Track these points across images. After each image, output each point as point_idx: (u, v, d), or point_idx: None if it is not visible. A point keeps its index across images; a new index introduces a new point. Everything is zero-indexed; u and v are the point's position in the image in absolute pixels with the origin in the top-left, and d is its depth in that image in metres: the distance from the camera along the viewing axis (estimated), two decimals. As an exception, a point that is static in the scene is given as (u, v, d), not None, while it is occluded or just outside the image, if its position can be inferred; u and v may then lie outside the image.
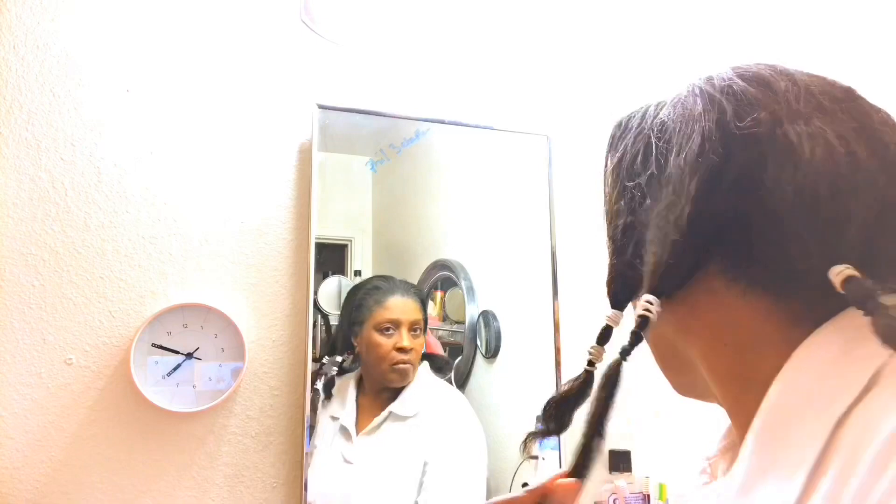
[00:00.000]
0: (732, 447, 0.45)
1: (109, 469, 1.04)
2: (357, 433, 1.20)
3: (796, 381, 0.36)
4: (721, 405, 0.42)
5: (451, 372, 1.31)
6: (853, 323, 0.35)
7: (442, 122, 1.31)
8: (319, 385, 1.20)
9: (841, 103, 0.39)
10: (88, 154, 1.09)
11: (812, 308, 0.37)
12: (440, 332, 1.34)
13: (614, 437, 1.26)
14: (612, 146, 0.49)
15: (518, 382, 1.32)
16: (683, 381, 0.46)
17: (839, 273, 0.35)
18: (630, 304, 0.45)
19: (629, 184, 0.45)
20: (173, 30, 1.16)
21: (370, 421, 1.21)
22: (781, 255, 0.38)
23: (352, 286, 1.25)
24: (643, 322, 0.41)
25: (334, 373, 1.22)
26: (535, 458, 1.27)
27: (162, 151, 1.13)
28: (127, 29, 1.13)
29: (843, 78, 0.42)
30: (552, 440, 1.28)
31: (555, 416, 0.45)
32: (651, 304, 0.41)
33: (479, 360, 1.33)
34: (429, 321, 1.30)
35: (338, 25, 1.12)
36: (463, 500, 1.18)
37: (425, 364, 1.27)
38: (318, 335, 1.21)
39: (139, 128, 1.12)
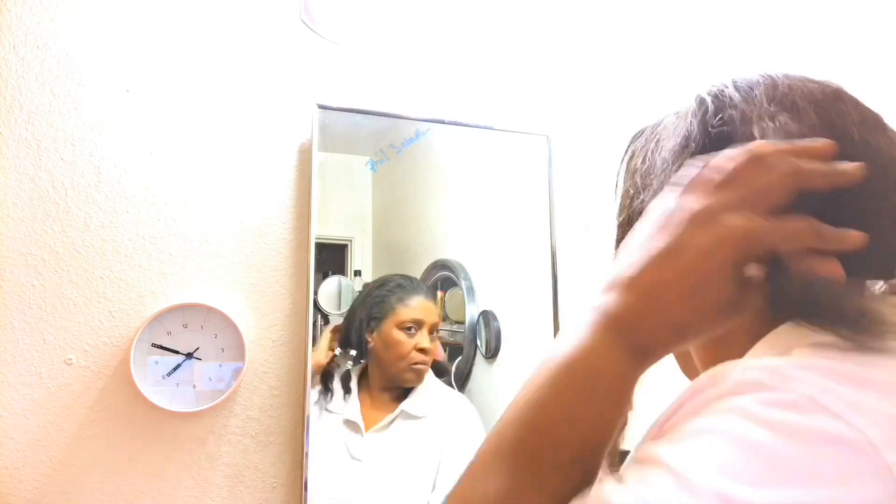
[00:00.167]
0: None
1: (109, 469, 1.04)
2: (366, 430, 1.20)
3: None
4: None
5: (448, 374, 1.31)
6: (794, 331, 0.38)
7: (442, 122, 1.31)
8: (336, 379, 1.20)
9: (818, 104, 0.41)
10: (88, 154, 1.09)
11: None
12: (440, 333, 1.34)
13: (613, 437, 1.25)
14: (626, 150, 0.53)
15: (518, 382, 1.32)
16: (686, 368, 0.50)
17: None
18: None
19: (627, 184, 0.50)
20: (173, 30, 1.16)
21: (378, 418, 1.21)
22: None
23: (373, 282, 1.26)
24: None
25: (349, 366, 1.22)
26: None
27: (162, 151, 1.13)
28: (127, 29, 1.13)
29: (848, 80, 0.43)
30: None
31: None
32: None
33: (480, 360, 1.33)
34: (437, 325, 1.30)
35: (338, 25, 1.12)
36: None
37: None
38: (318, 335, 1.21)
39: (139, 128, 1.12)
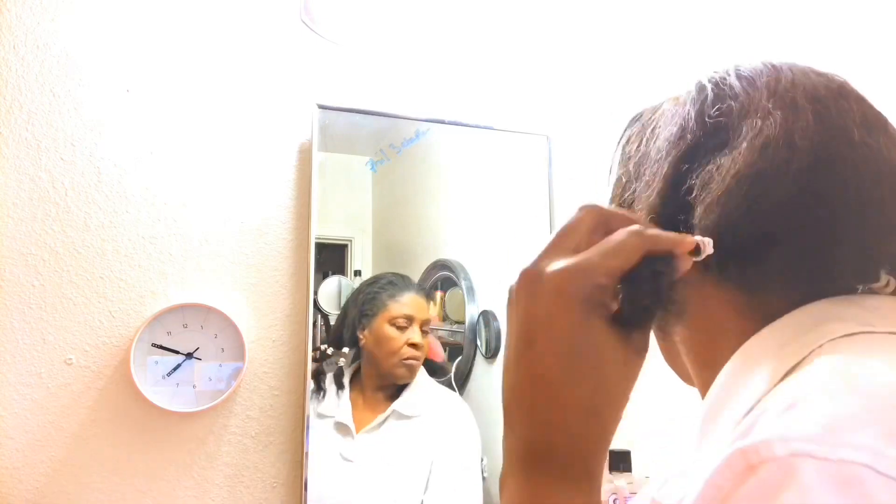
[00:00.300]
0: None
1: (109, 469, 1.04)
2: (356, 431, 1.20)
3: (734, 369, 0.38)
4: (698, 389, 0.45)
5: (445, 376, 1.31)
6: (800, 318, 0.37)
7: (442, 122, 1.31)
8: (329, 378, 1.20)
9: (820, 101, 0.40)
10: (88, 154, 1.09)
11: (776, 301, 0.38)
12: (440, 332, 1.34)
13: (614, 437, 1.25)
14: (623, 134, 0.52)
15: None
16: (675, 366, 0.49)
17: None
18: None
19: (620, 171, 0.49)
20: (173, 30, 1.16)
21: (370, 418, 1.21)
22: (744, 246, 0.39)
23: (363, 281, 1.26)
24: None
25: (342, 364, 1.22)
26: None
27: (162, 151, 1.13)
28: (127, 29, 1.13)
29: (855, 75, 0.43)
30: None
31: None
32: None
33: (480, 360, 1.33)
34: (429, 322, 1.30)
35: (338, 25, 1.12)
36: (465, 500, 1.19)
37: (422, 367, 1.27)
38: (318, 335, 1.21)
39: (139, 128, 1.13)
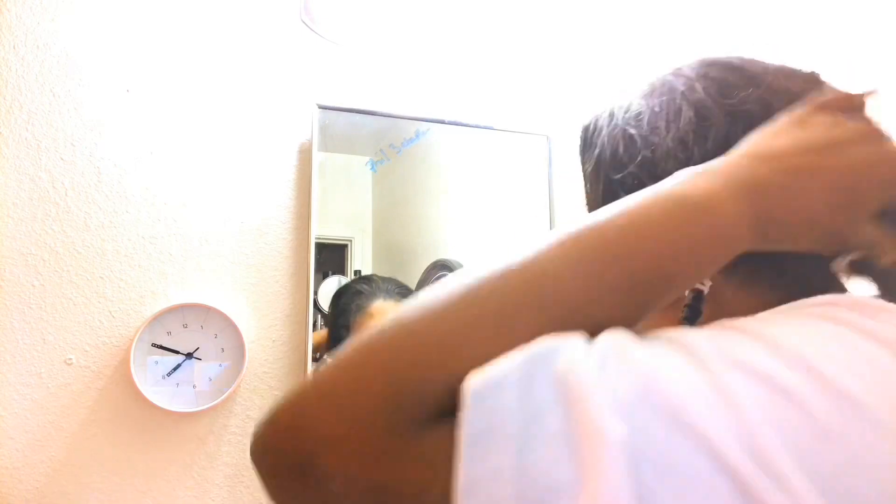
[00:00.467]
0: None
1: (109, 469, 1.04)
2: None
3: None
4: None
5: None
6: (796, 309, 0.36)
7: (442, 122, 1.31)
8: None
9: (794, 98, 0.41)
10: (88, 154, 1.09)
11: (788, 298, 0.38)
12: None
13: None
14: (587, 147, 0.51)
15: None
16: None
17: None
18: None
19: (617, 176, 0.46)
20: (173, 30, 1.16)
21: None
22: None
23: (335, 292, 1.23)
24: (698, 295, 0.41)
25: None
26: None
27: (162, 151, 1.13)
28: (127, 29, 1.13)
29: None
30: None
31: None
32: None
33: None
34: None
35: (338, 25, 1.12)
36: None
37: None
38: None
39: (139, 128, 1.13)
